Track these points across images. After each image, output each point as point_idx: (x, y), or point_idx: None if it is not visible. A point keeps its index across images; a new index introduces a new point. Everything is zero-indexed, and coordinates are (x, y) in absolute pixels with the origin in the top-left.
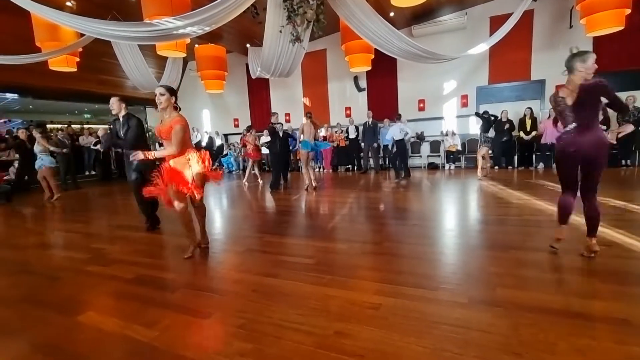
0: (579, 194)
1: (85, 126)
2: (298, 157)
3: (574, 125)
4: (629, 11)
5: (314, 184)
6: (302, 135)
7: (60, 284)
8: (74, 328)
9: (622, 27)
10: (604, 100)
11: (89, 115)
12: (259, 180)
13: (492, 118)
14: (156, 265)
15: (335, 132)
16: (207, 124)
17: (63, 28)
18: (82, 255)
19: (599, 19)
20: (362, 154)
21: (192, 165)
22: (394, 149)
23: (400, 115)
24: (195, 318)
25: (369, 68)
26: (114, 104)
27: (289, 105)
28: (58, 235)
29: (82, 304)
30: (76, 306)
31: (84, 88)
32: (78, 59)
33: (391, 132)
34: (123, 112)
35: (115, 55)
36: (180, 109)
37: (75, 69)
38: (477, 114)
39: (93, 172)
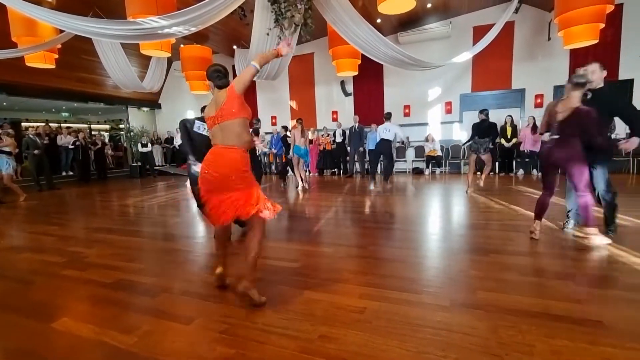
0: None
1: (63, 125)
2: (271, 160)
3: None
4: (602, 26)
5: (305, 185)
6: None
7: (34, 289)
8: (48, 334)
9: (596, 41)
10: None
11: (67, 114)
12: None
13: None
14: (136, 270)
15: (322, 135)
16: None
17: (41, 23)
18: (57, 258)
19: (575, 33)
20: (348, 158)
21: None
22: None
23: (390, 113)
24: (177, 323)
25: (356, 73)
26: None
27: (275, 109)
28: (31, 238)
29: (57, 310)
30: (51, 312)
31: (62, 86)
32: (57, 56)
33: (390, 131)
34: None
35: (96, 53)
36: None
37: (53, 66)
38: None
39: (71, 173)
